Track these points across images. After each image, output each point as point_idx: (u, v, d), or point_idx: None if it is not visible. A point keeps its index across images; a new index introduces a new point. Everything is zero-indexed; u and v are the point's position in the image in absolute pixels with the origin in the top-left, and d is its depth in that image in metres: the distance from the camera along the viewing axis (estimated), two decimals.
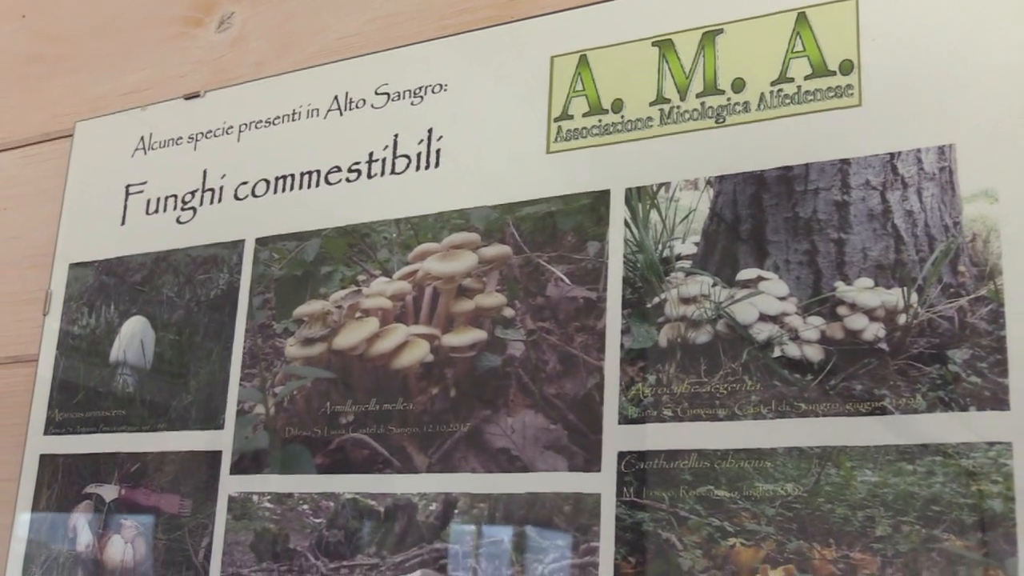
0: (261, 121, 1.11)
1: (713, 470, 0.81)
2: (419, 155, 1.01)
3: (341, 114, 1.06)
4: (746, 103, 0.87)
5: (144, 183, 1.17)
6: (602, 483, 0.85)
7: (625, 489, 0.84)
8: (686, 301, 0.85)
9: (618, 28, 0.93)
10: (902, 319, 0.78)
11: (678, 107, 0.89)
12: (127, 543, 1.06)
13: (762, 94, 0.86)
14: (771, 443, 0.80)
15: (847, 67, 0.84)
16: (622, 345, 0.87)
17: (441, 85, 1.01)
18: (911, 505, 0.75)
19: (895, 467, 0.76)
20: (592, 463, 0.86)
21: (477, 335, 0.93)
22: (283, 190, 1.07)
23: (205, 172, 1.13)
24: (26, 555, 1.13)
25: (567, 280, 0.90)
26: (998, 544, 0.72)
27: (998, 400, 0.74)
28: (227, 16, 1.20)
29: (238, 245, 1.08)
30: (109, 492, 1.09)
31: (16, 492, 1.16)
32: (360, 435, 0.96)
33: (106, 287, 1.16)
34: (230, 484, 1.02)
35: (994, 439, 0.73)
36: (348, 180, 1.04)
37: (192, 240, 1.12)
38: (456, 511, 0.90)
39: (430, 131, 1.01)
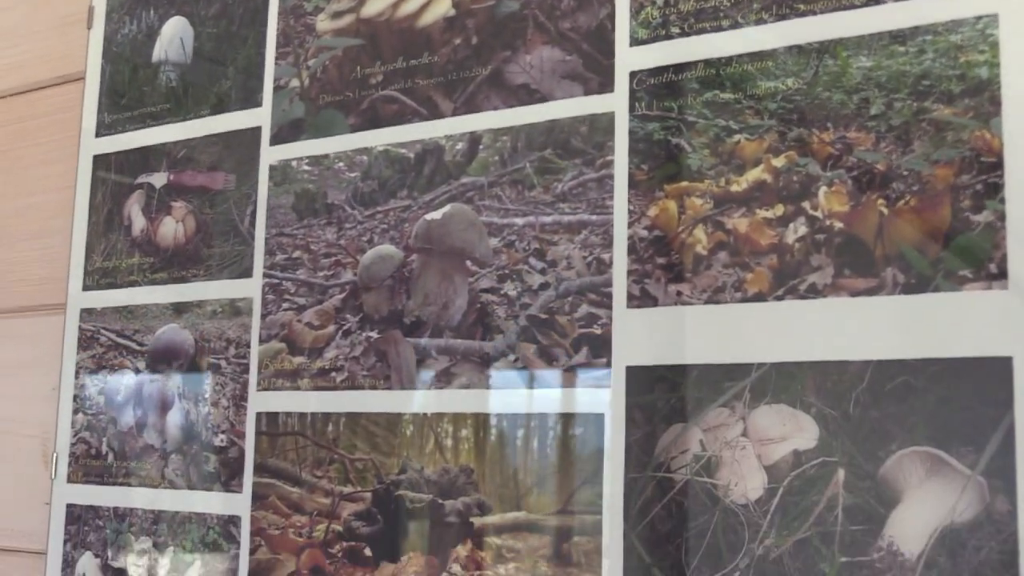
0: None
1: (719, 76, 0.86)
2: None
3: None
4: None
5: None
6: (615, 102, 0.90)
7: (637, 104, 0.89)
8: None
9: None
10: None
11: None
12: (178, 222, 1.14)
13: None
14: (773, 44, 0.84)
15: None
16: None
17: None
18: (903, 83, 0.80)
19: (888, 50, 0.80)
20: (606, 85, 0.91)
21: None
22: None
23: None
24: (87, 244, 1.21)
25: None
26: (984, 108, 0.77)
27: None
28: None
29: None
30: (159, 179, 1.16)
31: (73, 196, 1.23)
32: (389, 92, 1.02)
33: None
34: (270, 154, 1.09)
35: (981, 12, 0.77)
36: None
37: None
38: (481, 147, 0.96)
39: None
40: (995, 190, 0.76)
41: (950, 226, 0.77)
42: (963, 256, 0.76)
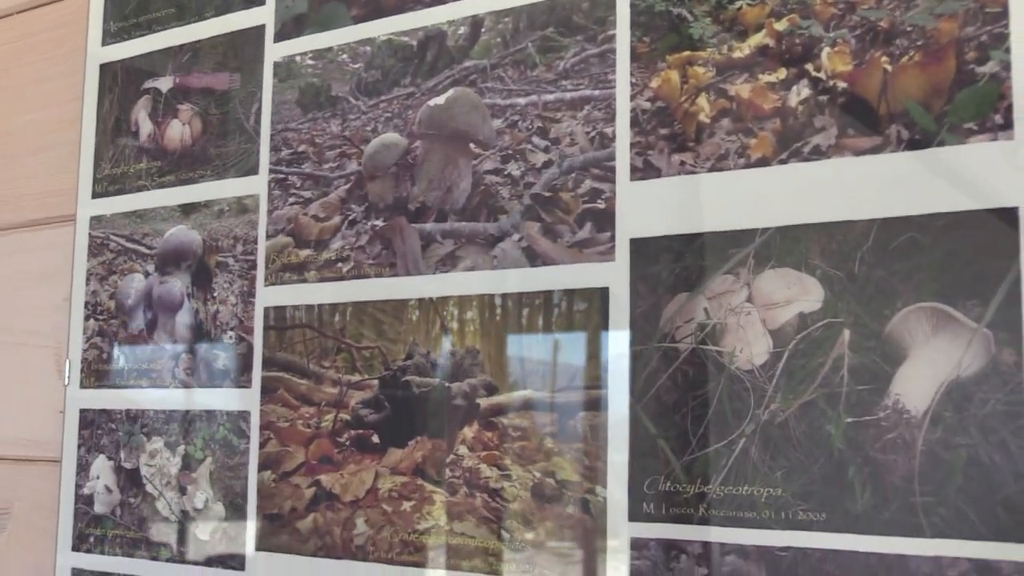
0: None
1: None
2: None
3: None
4: None
5: None
6: None
7: None
8: None
9: None
10: None
11: None
12: (184, 124, 1.14)
13: None
14: None
15: None
16: None
17: None
18: None
19: None
20: None
21: None
22: None
23: None
24: (95, 153, 1.21)
25: None
26: None
27: None
28: None
29: None
30: (165, 83, 1.16)
31: (80, 107, 1.24)
32: None
33: None
34: (275, 51, 1.08)
35: None
36: None
37: None
38: (483, 30, 0.96)
39: None
40: (1000, 40, 0.75)
41: (954, 79, 0.76)
42: (968, 109, 0.75)
